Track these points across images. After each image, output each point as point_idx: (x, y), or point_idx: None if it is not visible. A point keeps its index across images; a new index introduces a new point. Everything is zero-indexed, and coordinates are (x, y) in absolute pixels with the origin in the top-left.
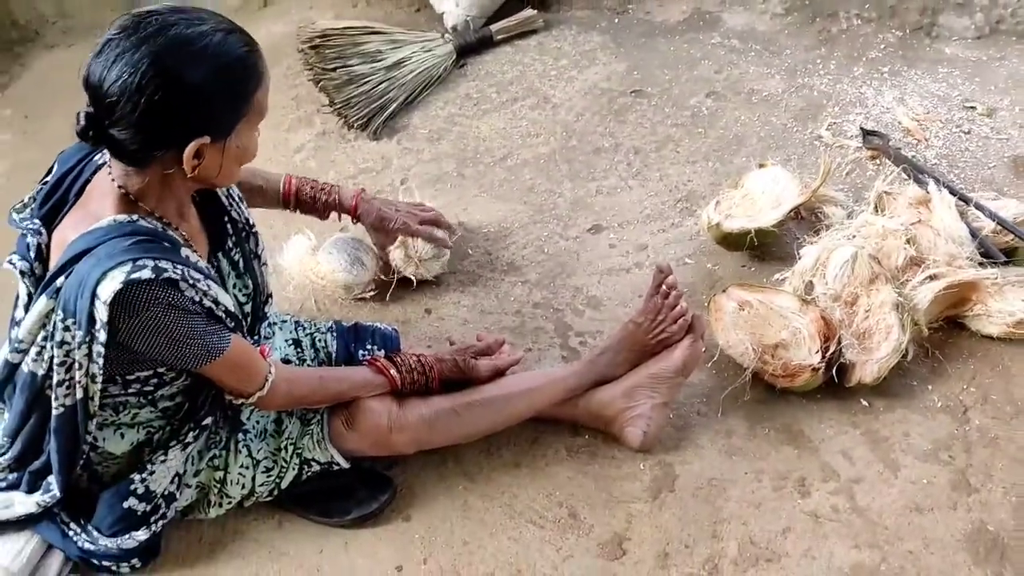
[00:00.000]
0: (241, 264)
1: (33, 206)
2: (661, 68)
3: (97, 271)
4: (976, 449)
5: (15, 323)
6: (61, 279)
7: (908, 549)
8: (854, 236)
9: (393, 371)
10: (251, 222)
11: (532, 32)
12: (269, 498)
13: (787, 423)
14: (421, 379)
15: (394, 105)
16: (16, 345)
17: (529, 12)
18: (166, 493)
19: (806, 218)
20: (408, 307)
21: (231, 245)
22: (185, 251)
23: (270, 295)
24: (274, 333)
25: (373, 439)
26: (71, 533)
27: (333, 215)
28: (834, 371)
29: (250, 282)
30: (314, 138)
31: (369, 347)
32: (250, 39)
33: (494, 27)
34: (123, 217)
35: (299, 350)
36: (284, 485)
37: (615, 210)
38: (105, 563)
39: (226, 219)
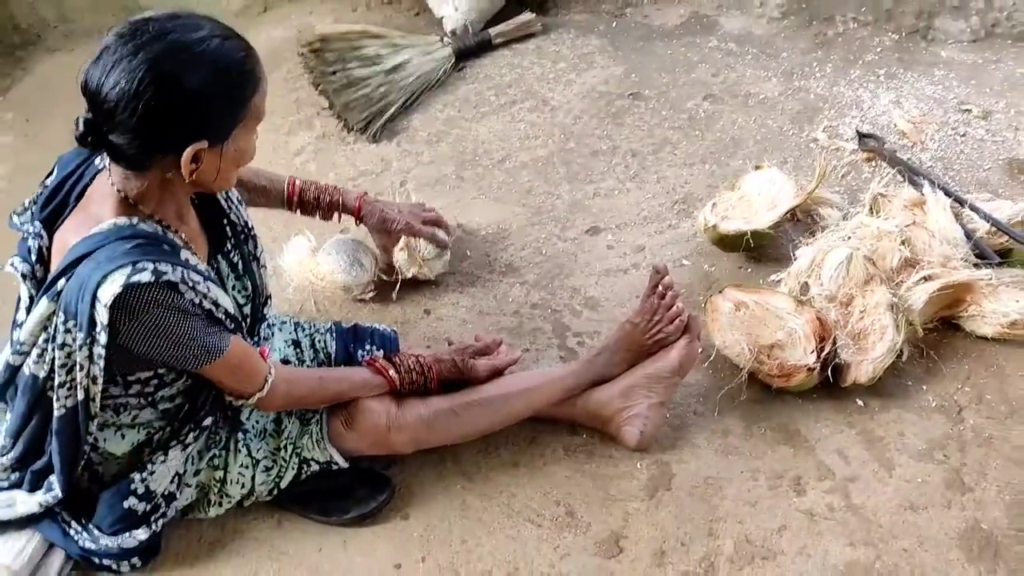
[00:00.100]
0: (240, 266)
1: (34, 209)
2: (658, 71)
3: (97, 274)
4: (970, 448)
5: (16, 325)
6: (62, 282)
7: (903, 547)
8: (849, 238)
9: (392, 371)
10: (250, 225)
11: (530, 36)
12: (269, 497)
13: (783, 423)
14: (420, 379)
15: (393, 108)
16: (18, 347)
17: (527, 16)
18: (166, 493)
19: (802, 220)
20: (407, 308)
21: (230, 247)
22: (185, 254)
23: (269, 297)
24: (273, 334)
25: (372, 439)
26: (72, 532)
27: (335, 216)
28: (829, 371)
29: (249, 284)
30: (314, 141)
31: (368, 348)
32: (247, 44)
33: (493, 31)
34: (123, 220)
35: (298, 351)
36: (283, 484)
37: (613, 212)
38: (106, 562)
39: (225, 222)
